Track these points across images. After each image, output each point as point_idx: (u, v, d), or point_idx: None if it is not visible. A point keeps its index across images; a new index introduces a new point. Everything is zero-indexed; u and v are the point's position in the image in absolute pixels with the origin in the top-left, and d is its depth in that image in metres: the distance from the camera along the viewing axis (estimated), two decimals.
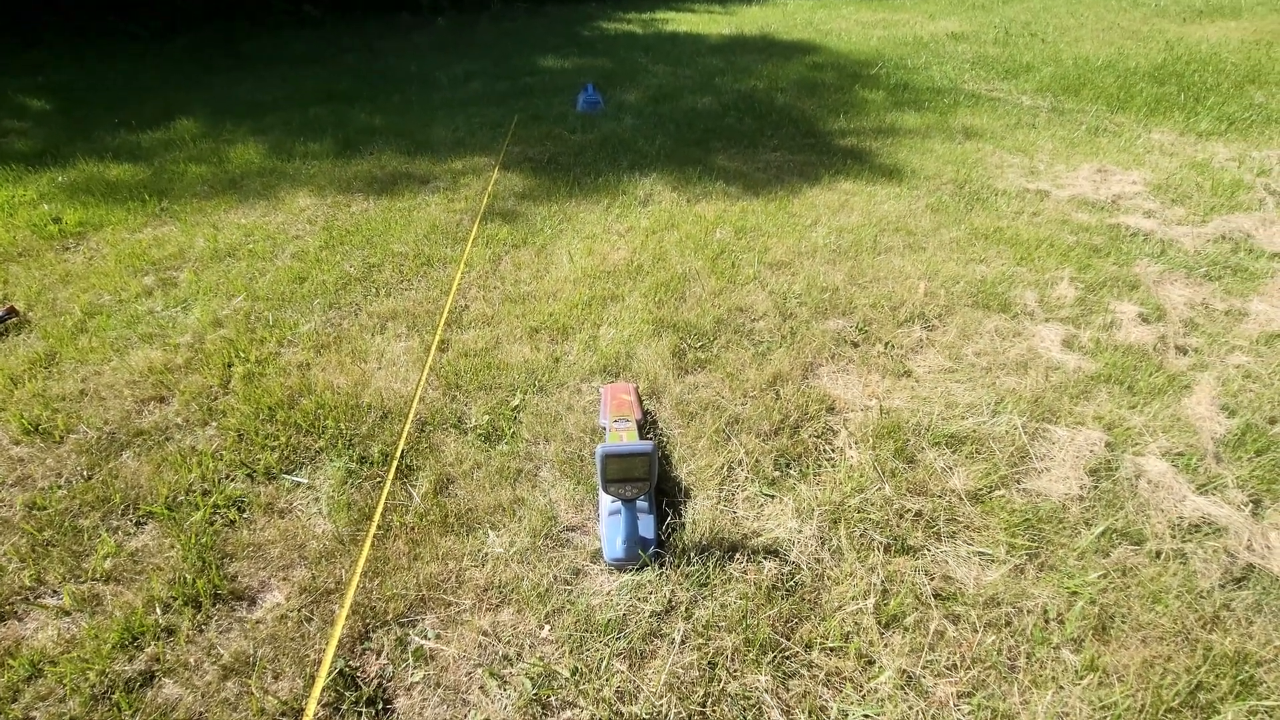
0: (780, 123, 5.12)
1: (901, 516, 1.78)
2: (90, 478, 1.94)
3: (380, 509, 1.81)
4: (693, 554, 1.67)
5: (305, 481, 1.93)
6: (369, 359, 2.46)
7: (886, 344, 2.50)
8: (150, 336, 2.61)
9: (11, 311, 2.75)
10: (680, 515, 1.80)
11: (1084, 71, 6.32)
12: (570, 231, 3.43)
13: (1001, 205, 3.63)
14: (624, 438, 1.92)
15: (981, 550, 1.69)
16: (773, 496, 1.86)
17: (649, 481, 1.58)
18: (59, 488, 1.91)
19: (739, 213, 3.60)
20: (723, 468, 1.94)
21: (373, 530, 1.74)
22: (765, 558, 1.67)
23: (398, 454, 1.99)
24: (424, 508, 1.83)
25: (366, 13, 11.14)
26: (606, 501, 1.74)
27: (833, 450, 2.02)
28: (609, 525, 1.71)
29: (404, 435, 2.07)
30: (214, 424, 2.15)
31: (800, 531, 1.74)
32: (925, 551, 1.69)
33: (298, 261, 3.17)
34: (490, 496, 1.87)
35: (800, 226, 3.42)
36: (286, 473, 1.97)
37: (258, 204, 3.84)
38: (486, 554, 1.71)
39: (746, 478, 1.92)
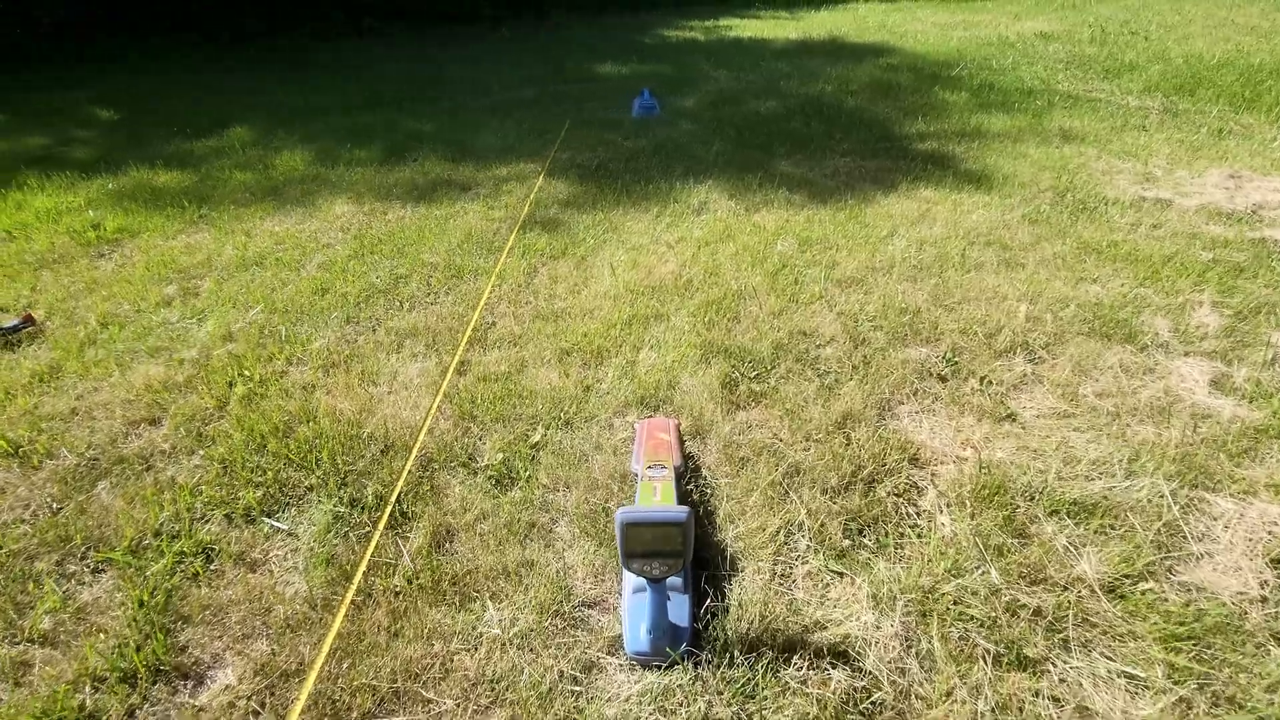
0: (851, 126, 4.70)
1: (1014, 614, 1.36)
2: (58, 512, 1.73)
3: (362, 569, 1.52)
4: (737, 651, 1.30)
5: (286, 528, 1.66)
6: (380, 381, 2.20)
7: (982, 379, 2.07)
8: (157, 350, 2.43)
9: (29, 320, 2.63)
10: (723, 595, 1.43)
11: (1198, 70, 5.64)
12: (614, 242, 3.12)
13: (1114, 216, 3.12)
14: (658, 490, 1.58)
15: (1128, 670, 1.26)
16: (842, 574, 1.48)
17: (683, 558, 1.23)
18: (22, 522, 1.70)
19: (803, 222, 3.21)
20: (779, 532, 1.57)
21: (349, 597, 1.45)
22: (832, 663, 1.29)
23: (392, 499, 1.70)
24: (415, 569, 1.53)
25: (428, 24, 11.27)
26: (632, 575, 1.40)
27: (918, 515, 1.62)
28: (632, 606, 1.37)
29: (404, 476, 1.78)
30: (201, 452, 1.92)
31: (878, 627, 1.35)
32: (1049, 666, 1.27)
33: (324, 272, 2.97)
34: (494, 557, 1.55)
35: (874, 238, 3.01)
36: (267, 515, 1.70)
37: (294, 211, 3.69)
38: (481, 635, 1.38)
39: (809, 547, 1.54)
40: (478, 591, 1.48)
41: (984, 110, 4.90)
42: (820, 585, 1.46)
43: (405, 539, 1.61)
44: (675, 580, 1.39)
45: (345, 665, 1.33)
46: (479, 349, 2.36)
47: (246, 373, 2.26)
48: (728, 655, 1.29)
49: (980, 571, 1.43)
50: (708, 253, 2.95)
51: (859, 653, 1.30)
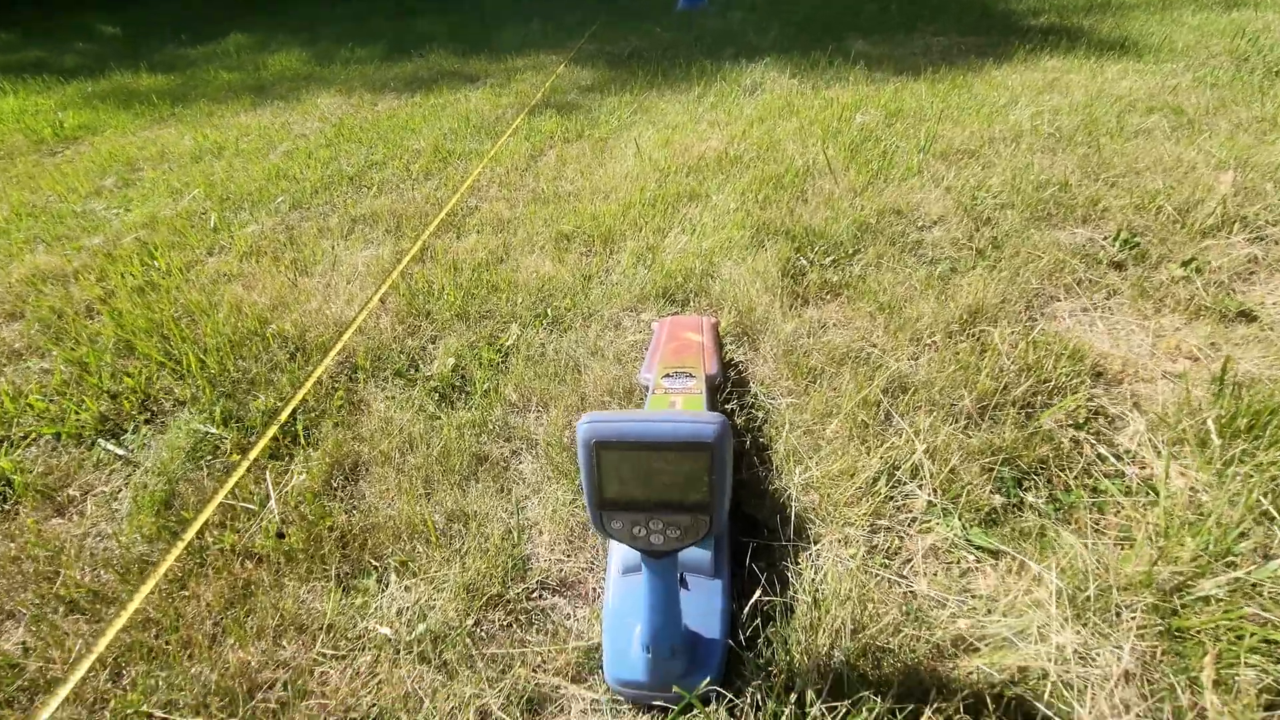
0: (942, 7, 3.86)
1: None
2: None
3: (205, 517, 0.96)
4: (810, 691, 0.69)
5: (123, 453, 1.12)
6: (315, 270, 1.64)
7: (1186, 264, 1.36)
8: (59, 239, 1.93)
9: None
10: (785, 583, 0.82)
11: None
12: (643, 123, 2.47)
13: None
14: (677, 405, 0.97)
15: None
16: (995, 555, 0.84)
17: (711, 514, 0.61)
18: None
19: (890, 95, 2.48)
20: (878, 480, 0.94)
21: (168, 562, 0.89)
22: None
23: (284, 414, 1.14)
24: (288, 517, 0.96)
25: None
26: (620, 549, 0.80)
27: (1119, 459, 0.96)
28: (617, 597, 0.77)
29: (310, 383, 1.21)
30: (55, 352, 1.39)
31: (1086, 659, 0.71)
32: None
33: (286, 160, 2.42)
34: (414, 506, 0.97)
35: (989, 108, 2.26)
36: (110, 436, 1.17)
37: (274, 105, 3.15)
38: (365, 634, 0.81)
39: (931, 504, 0.91)
40: (379, 556, 0.90)
41: None
42: (956, 573, 0.83)
43: (286, 473, 1.05)
44: (698, 553, 0.78)
45: (141, 670, 0.78)
46: (452, 235, 1.77)
47: (153, 261, 1.73)
48: (792, 697, 0.68)
49: (1277, 563, 0.77)
50: (763, 129, 2.27)
51: (1051, 705, 0.67)
